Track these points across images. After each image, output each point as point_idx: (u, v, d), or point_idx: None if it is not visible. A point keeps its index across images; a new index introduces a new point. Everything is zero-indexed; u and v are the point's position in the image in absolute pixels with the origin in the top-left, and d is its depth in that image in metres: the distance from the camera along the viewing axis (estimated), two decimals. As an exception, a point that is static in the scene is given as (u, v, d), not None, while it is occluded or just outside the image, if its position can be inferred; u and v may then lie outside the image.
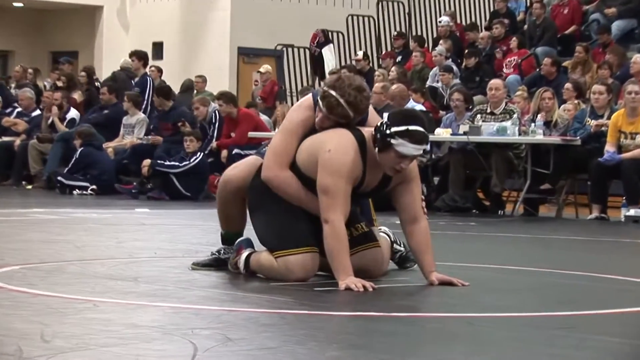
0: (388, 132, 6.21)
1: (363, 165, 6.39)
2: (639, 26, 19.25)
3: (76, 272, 7.00)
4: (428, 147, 6.33)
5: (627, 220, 13.48)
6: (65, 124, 18.49)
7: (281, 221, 6.56)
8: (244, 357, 4.26)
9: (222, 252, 7.11)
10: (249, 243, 6.84)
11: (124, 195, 16.04)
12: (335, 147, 6.33)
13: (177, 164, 15.67)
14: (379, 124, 6.35)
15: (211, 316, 5.26)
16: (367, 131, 6.43)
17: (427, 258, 6.53)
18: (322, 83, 19.62)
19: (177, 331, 4.73)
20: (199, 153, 15.76)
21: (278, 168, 6.52)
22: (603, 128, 14.02)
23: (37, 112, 19.48)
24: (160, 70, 20.69)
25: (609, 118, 14.05)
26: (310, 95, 6.83)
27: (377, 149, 6.30)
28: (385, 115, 6.45)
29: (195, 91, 20.79)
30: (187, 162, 15.64)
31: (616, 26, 19.23)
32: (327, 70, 20.57)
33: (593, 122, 14.13)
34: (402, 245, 7.26)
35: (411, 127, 6.24)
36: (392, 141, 6.20)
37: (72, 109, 18.91)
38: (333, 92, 6.43)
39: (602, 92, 14.40)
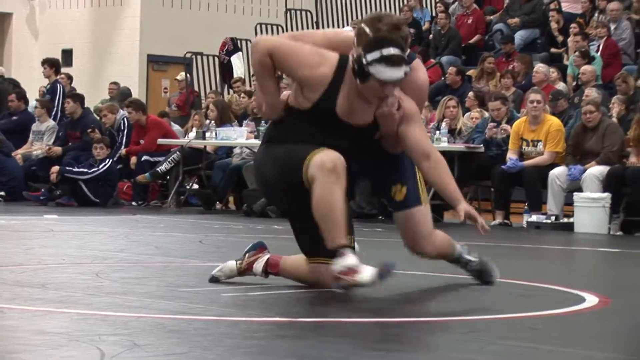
0: (364, 61, 6.04)
1: (333, 83, 6.24)
2: (541, 36, 19.48)
3: (-17, 279, 6.92)
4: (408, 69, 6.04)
5: (529, 226, 13.64)
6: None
7: None
8: (150, 363, 4.26)
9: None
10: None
11: (33, 202, 15.90)
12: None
13: (86, 170, 15.60)
14: (355, 55, 6.16)
15: (118, 322, 5.23)
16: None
17: (450, 189, 6.49)
18: (230, 91, 19.62)
19: (84, 337, 4.70)
20: (107, 160, 15.69)
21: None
22: (499, 136, 14.20)
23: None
24: (70, 78, 20.55)
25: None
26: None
27: (358, 81, 6.11)
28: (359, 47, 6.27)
29: (109, 98, 20.66)
30: (96, 169, 15.57)
31: (519, 36, 19.44)
32: (235, 77, 20.58)
33: (489, 127, 14.32)
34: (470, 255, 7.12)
35: (384, 51, 6.04)
36: (370, 69, 6.02)
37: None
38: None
39: (499, 106, 14.59)
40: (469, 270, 7.00)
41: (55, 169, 15.78)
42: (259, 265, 6.62)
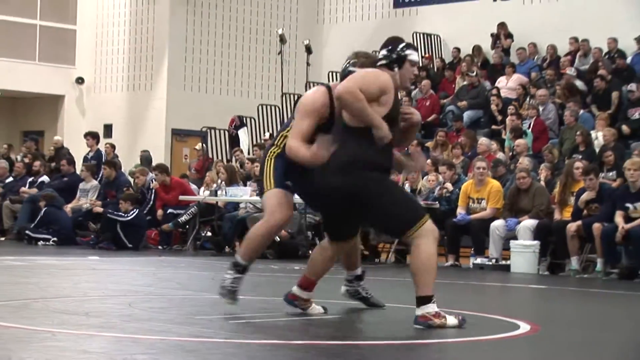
0: (399, 50, 6.41)
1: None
2: (484, 116, 19.54)
3: (38, 308, 6.89)
4: None
5: (474, 267, 13.62)
6: (37, 184, 18.50)
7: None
8: (172, 377, 4.23)
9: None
10: None
11: (81, 246, 15.90)
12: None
13: (122, 214, 15.62)
14: (379, 55, 6.48)
15: (147, 344, 5.21)
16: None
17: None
18: (234, 158, 19.64)
19: (119, 356, 4.69)
20: (134, 209, 15.68)
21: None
22: (445, 193, 14.29)
23: (10, 178, 19.39)
24: (113, 147, 20.65)
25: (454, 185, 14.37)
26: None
27: (396, 69, 6.37)
28: (381, 52, 6.51)
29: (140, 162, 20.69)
30: (129, 215, 15.57)
31: (467, 115, 19.52)
32: (242, 148, 20.63)
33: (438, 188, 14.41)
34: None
35: (406, 42, 6.54)
36: (407, 52, 6.41)
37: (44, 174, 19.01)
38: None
39: (445, 170, 14.73)
40: None
41: (99, 209, 16.28)
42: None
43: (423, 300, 6.14)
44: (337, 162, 6.33)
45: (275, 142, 6.89)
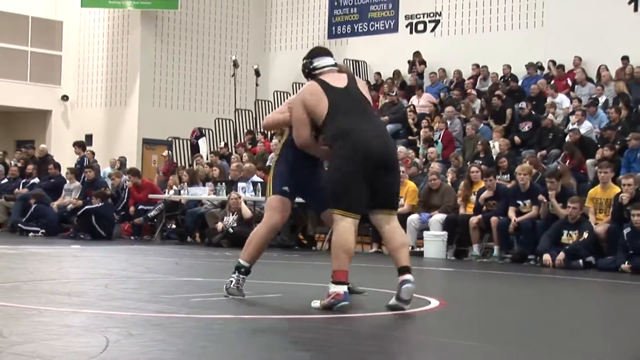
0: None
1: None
2: (403, 128, 19.61)
3: (28, 289, 6.78)
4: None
5: (394, 253, 13.66)
6: (28, 185, 18.21)
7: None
8: (140, 347, 4.18)
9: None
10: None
11: (65, 237, 15.71)
12: None
13: (93, 205, 15.51)
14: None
15: (119, 319, 5.15)
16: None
17: None
18: (195, 161, 19.52)
19: (96, 329, 4.63)
20: (101, 203, 15.52)
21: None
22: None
23: (5, 180, 19.13)
24: (93, 153, 20.47)
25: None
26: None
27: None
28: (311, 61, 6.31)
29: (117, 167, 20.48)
30: (97, 206, 15.43)
31: (388, 128, 19.55)
32: (202, 154, 20.54)
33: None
34: None
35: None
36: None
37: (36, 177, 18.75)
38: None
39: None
40: None
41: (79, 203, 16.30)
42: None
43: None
44: (380, 128, 6.04)
45: (276, 152, 6.65)
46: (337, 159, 5.82)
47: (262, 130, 20.94)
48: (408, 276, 5.85)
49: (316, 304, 5.81)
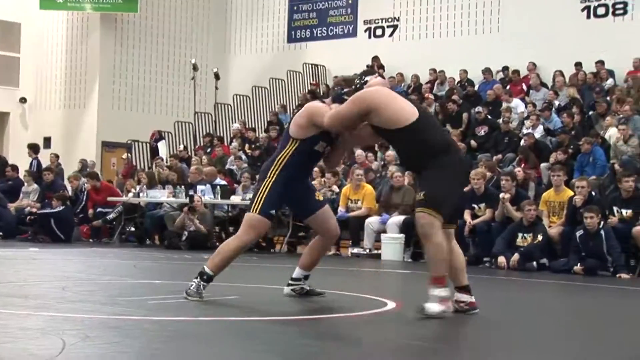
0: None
1: None
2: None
3: (-15, 292, 6.72)
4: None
5: (352, 256, 13.73)
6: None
7: None
8: (96, 350, 4.17)
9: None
10: None
11: (23, 240, 15.54)
12: None
13: (52, 209, 15.34)
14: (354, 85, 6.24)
15: (76, 321, 5.13)
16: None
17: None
18: (155, 164, 19.42)
19: (53, 332, 4.60)
20: (62, 206, 15.39)
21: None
22: (331, 195, 14.37)
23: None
24: (57, 156, 20.36)
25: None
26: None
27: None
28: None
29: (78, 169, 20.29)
30: (57, 210, 15.29)
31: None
32: (162, 157, 20.47)
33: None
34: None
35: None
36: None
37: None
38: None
39: (330, 177, 14.81)
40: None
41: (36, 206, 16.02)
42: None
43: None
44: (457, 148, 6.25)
45: (276, 162, 6.34)
46: (451, 170, 5.91)
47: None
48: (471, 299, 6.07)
49: (434, 308, 5.80)
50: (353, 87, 6.26)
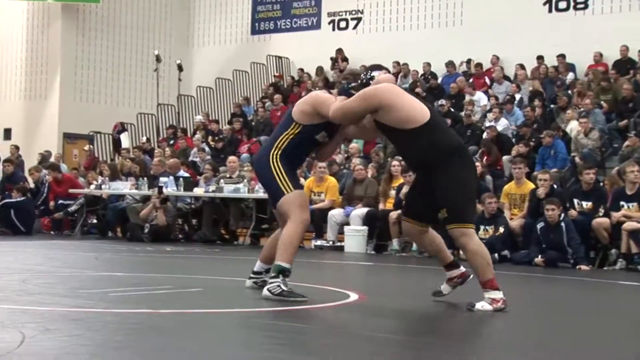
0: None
1: None
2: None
3: (-57, 284, 6.62)
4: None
5: (315, 248, 13.73)
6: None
7: None
8: (57, 342, 4.11)
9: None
10: None
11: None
12: None
13: (12, 200, 15.21)
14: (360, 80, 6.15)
15: (36, 314, 5.06)
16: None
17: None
18: (118, 157, 19.30)
19: (12, 325, 4.54)
20: (23, 198, 15.25)
21: None
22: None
23: None
24: (17, 148, 20.21)
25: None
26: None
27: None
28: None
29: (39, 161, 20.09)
30: (17, 200, 15.15)
31: (310, 124, 19.57)
32: (127, 148, 20.36)
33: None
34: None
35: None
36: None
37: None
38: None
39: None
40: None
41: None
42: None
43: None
44: None
45: (276, 145, 6.22)
46: (464, 174, 5.88)
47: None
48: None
49: (486, 307, 5.79)
50: (359, 81, 6.19)
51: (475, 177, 6.25)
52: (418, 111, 5.87)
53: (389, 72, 6.46)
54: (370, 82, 6.11)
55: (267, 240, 6.84)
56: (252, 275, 6.77)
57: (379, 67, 6.31)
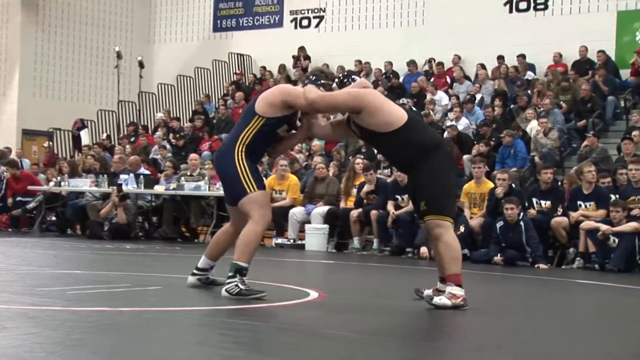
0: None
1: None
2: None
3: None
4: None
5: (276, 246, 13.71)
6: None
7: None
8: (14, 340, 4.07)
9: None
10: None
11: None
12: None
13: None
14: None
15: (-7, 312, 5.01)
16: None
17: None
18: (78, 154, 19.14)
19: (-33, 323, 4.48)
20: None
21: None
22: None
23: None
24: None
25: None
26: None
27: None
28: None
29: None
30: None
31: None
32: (88, 144, 20.21)
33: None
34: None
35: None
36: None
37: None
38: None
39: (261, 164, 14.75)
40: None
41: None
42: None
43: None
44: None
45: (240, 140, 6.13)
46: (442, 169, 6.00)
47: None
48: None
49: (443, 301, 5.87)
50: (337, 80, 6.32)
51: (454, 171, 6.41)
52: (397, 114, 6.03)
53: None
54: (350, 84, 6.27)
55: (214, 237, 6.72)
56: (195, 272, 6.58)
57: (356, 73, 6.55)
